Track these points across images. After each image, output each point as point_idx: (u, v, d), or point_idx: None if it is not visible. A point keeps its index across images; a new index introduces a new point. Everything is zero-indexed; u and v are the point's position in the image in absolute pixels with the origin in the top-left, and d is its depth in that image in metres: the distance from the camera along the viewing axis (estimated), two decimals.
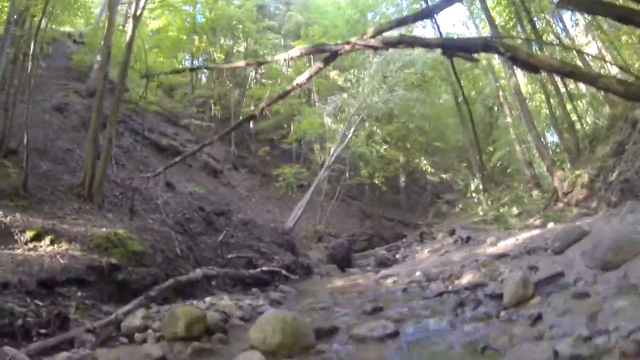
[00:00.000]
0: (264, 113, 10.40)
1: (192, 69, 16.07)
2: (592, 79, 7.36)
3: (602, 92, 25.22)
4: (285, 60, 9.90)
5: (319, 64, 9.55)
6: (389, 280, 13.03)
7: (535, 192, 26.81)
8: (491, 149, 34.31)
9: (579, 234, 9.91)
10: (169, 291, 9.66)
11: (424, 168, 36.22)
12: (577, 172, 20.41)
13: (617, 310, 5.44)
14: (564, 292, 6.75)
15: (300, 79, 10.07)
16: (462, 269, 11.46)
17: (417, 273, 12.85)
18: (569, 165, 22.42)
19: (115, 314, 7.66)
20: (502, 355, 5.17)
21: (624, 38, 22.71)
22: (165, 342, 6.69)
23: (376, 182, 30.73)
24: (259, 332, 6.37)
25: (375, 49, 8.87)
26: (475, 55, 8.06)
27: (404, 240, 25.61)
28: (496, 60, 33.97)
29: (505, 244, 13.77)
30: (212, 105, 33.48)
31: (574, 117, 23.93)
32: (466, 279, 10.19)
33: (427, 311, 8.21)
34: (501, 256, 11.85)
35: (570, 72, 7.29)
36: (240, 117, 31.65)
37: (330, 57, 9.29)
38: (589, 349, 4.68)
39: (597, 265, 7.26)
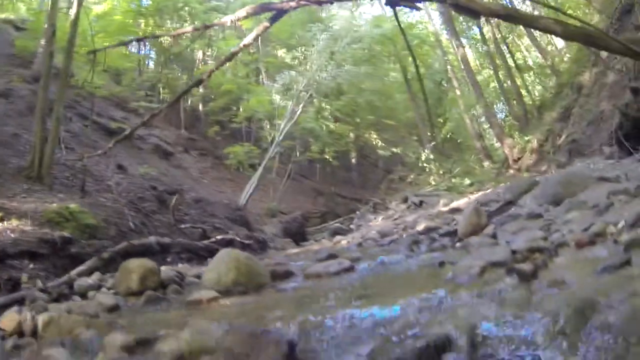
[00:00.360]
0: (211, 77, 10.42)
1: (138, 39, 15.83)
2: (532, 21, 7.59)
3: (549, 63, 25.84)
4: (232, 21, 9.95)
5: (266, 24, 9.59)
6: (344, 242, 13.17)
7: (486, 163, 27.17)
8: (441, 120, 34.60)
9: (529, 185, 10.17)
10: (121, 258, 9.55)
11: (374, 142, 36.43)
12: (527, 138, 20.85)
13: (569, 220, 5.66)
14: (517, 220, 6.91)
15: (247, 39, 10.12)
16: (416, 221, 11.67)
17: (372, 232, 13.04)
18: (518, 133, 22.86)
19: (68, 275, 7.57)
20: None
21: (567, 5, 23.23)
22: (120, 296, 6.62)
23: (327, 157, 30.89)
24: (212, 273, 6.35)
25: (320, 3, 8.96)
26: (419, 5, 8.23)
27: (358, 212, 25.81)
28: (445, 35, 34.27)
29: (458, 203, 14.07)
30: (161, 88, 33.11)
31: (522, 91, 24.43)
32: (420, 227, 10.35)
33: (383, 253, 8.28)
34: (454, 211, 12.10)
35: (510, 16, 7.51)
36: (190, 101, 31.50)
37: (277, 15, 9.35)
38: (545, 243, 4.85)
39: (547, 200, 7.46)
